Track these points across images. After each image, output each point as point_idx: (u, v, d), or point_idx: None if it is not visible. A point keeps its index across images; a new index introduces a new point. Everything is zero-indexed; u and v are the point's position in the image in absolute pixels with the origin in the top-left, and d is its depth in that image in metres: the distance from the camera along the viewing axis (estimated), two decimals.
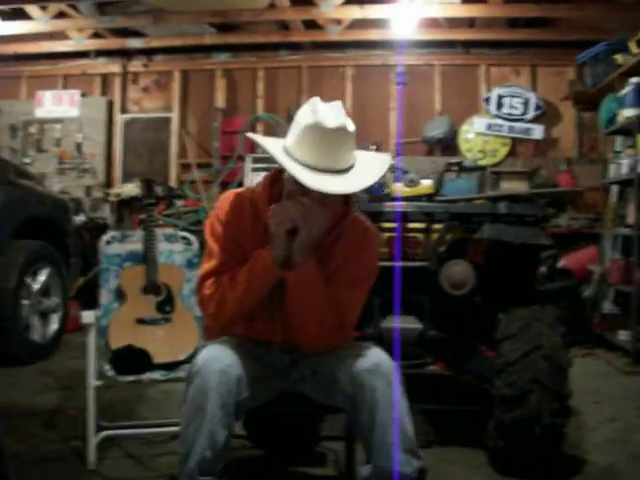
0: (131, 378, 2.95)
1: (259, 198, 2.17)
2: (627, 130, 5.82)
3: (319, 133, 1.95)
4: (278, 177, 2.16)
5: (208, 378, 1.95)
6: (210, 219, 2.22)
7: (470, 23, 7.87)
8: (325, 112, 1.97)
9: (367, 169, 2.06)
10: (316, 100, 2.02)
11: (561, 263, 6.16)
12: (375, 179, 2.04)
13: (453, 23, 7.78)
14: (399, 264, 3.13)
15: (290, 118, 2.24)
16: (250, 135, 2.39)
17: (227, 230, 2.16)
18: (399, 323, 3.16)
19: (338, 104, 2.02)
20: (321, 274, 2.10)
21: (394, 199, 3.36)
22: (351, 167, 2.04)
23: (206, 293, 2.13)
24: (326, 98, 2.07)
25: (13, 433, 3.17)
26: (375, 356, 2.06)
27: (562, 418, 2.78)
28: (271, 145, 2.07)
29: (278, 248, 2.05)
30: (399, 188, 3.46)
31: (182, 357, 3.05)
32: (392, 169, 3.51)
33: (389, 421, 1.95)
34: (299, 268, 2.06)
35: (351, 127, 2.00)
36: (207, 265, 2.17)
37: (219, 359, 1.99)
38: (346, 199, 2.18)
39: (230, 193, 2.24)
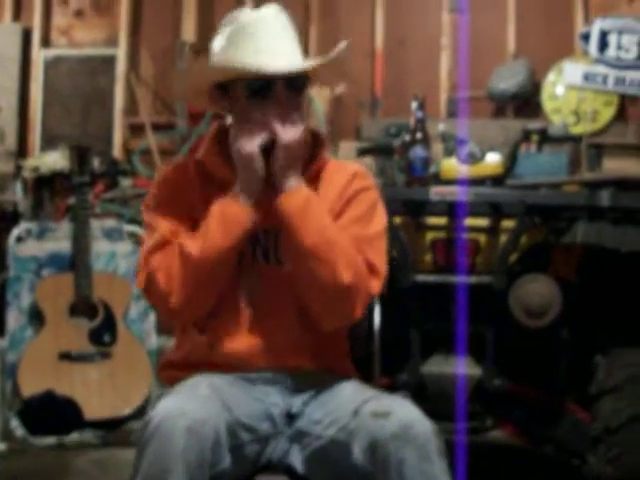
0: (51, 440, 2.96)
1: (205, 157, 2.33)
2: None
3: (244, 29, 2.28)
4: (223, 130, 2.35)
5: (171, 441, 1.93)
6: (147, 197, 2.35)
7: None
8: (246, 13, 2.32)
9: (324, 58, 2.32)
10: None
11: None
12: (332, 56, 2.30)
13: None
14: (451, 279, 3.14)
15: None
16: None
17: (171, 200, 2.29)
18: (448, 367, 3.17)
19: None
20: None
21: (445, 182, 3.37)
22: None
23: (153, 266, 2.18)
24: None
25: None
26: (404, 414, 2.05)
27: None
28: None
29: (248, 175, 2.19)
30: (453, 165, 3.47)
31: (126, 411, 3.07)
32: (443, 137, 3.52)
33: None
34: (291, 191, 2.18)
35: (282, 14, 2.36)
36: (149, 241, 2.25)
37: (186, 413, 1.97)
38: (316, 139, 2.37)
39: (168, 164, 2.46)
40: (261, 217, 2.20)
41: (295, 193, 2.18)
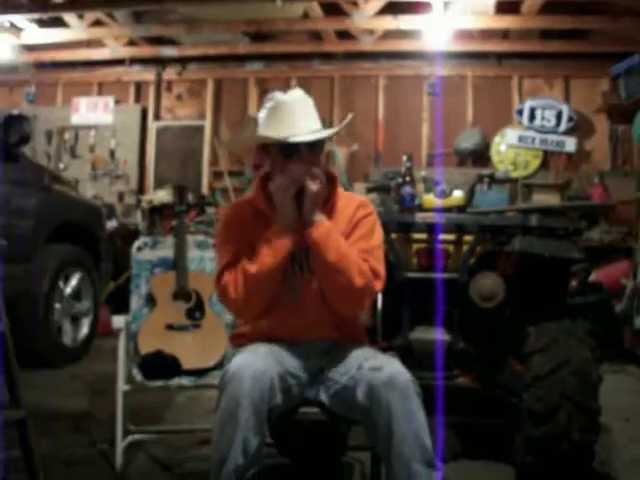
0: (159, 383, 2.96)
1: (256, 199, 2.36)
2: None
3: (279, 107, 2.25)
4: (266, 177, 2.36)
5: (241, 385, 1.97)
6: (217, 229, 2.45)
7: (503, 35, 7.83)
8: (281, 94, 2.30)
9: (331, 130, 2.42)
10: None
11: (593, 277, 6.09)
12: (337, 130, 2.50)
13: (486, 34, 7.75)
14: (430, 275, 3.12)
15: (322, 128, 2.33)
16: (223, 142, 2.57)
17: (233, 231, 2.32)
18: (428, 334, 3.14)
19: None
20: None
21: (425, 210, 3.36)
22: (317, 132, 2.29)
23: (225, 281, 2.24)
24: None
25: (42, 435, 3.19)
26: (391, 368, 2.07)
27: (591, 435, 2.74)
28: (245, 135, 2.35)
29: (285, 215, 2.20)
30: (431, 199, 3.45)
31: (210, 364, 3.06)
32: (424, 180, 3.49)
33: (406, 434, 1.97)
34: (317, 225, 2.19)
35: (307, 98, 2.32)
36: (220, 263, 2.31)
37: (251, 365, 2.02)
38: (330, 179, 2.34)
39: (230, 204, 2.48)
40: (296, 239, 2.22)
41: (319, 226, 2.19)
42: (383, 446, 2.02)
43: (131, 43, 8.50)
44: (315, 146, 2.26)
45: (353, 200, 2.40)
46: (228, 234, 2.32)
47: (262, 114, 2.29)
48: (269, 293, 2.24)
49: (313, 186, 2.16)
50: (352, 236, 2.30)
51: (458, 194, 3.48)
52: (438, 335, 3.14)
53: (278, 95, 2.29)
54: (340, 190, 2.40)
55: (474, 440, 3.26)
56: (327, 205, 2.30)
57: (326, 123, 2.37)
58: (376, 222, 2.38)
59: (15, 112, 4.63)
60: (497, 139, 7.85)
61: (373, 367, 2.08)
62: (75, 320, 5.25)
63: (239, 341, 2.35)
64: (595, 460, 2.85)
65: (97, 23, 7.96)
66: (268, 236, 2.20)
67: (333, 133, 2.45)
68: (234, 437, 1.95)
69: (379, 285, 2.27)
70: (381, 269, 2.29)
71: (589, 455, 2.79)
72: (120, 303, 4.61)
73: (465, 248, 3.19)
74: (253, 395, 1.96)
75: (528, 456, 2.81)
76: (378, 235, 2.36)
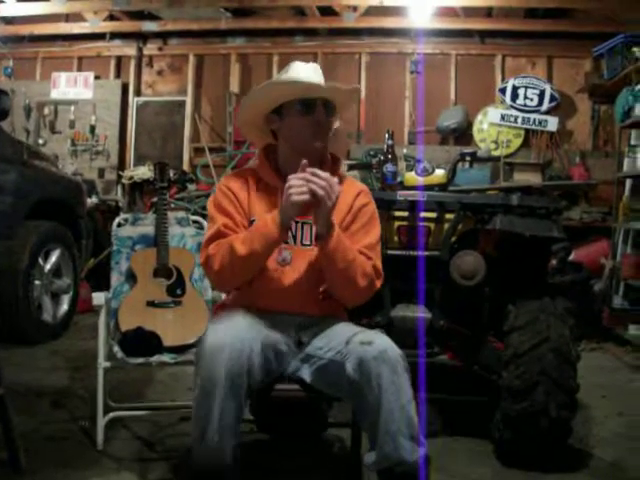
0: (140, 360, 2.95)
1: (258, 167, 2.37)
2: None
3: (298, 68, 2.29)
4: (270, 149, 2.39)
5: (217, 359, 1.95)
6: (213, 195, 2.37)
7: (487, 13, 7.82)
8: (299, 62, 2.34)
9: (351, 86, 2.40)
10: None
11: (572, 256, 6.13)
12: (356, 87, 2.43)
13: (470, 12, 7.73)
14: (411, 253, 3.13)
15: None
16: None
17: (229, 199, 2.30)
18: (409, 312, 3.15)
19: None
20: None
21: (407, 188, 3.36)
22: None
23: (210, 252, 2.21)
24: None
25: (22, 412, 3.19)
26: (381, 343, 2.07)
27: (569, 411, 2.78)
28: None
29: (288, 215, 2.12)
30: (412, 177, 3.45)
31: (191, 340, 3.05)
32: (406, 158, 3.49)
33: (394, 408, 1.98)
34: (330, 237, 2.13)
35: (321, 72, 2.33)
36: (210, 231, 2.28)
37: (227, 339, 1.99)
38: (335, 160, 2.39)
39: (231, 173, 2.46)
40: None
41: (332, 238, 2.13)
42: (370, 420, 2.02)
43: (112, 17, 8.40)
44: (330, 108, 2.29)
45: (354, 186, 2.40)
46: (223, 202, 2.29)
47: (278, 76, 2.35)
48: (253, 272, 2.23)
49: (329, 202, 2.07)
50: (352, 226, 2.31)
51: (440, 172, 3.49)
52: (418, 312, 3.16)
53: (295, 63, 2.33)
54: (342, 173, 2.41)
55: (454, 416, 3.29)
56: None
57: None
58: (374, 212, 2.40)
59: None
60: (479, 117, 7.86)
61: (363, 341, 2.07)
62: (55, 297, 5.23)
63: (220, 313, 2.34)
64: (572, 436, 2.89)
65: None
66: (265, 224, 2.14)
67: (348, 88, 2.36)
68: (211, 414, 1.94)
69: (379, 282, 2.31)
70: (380, 265, 2.32)
71: (566, 431, 2.83)
72: (100, 280, 4.57)
73: (446, 226, 3.20)
74: (230, 370, 1.94)
75: (507, 432, 2.84)
76: (378, 228, 2.38)
